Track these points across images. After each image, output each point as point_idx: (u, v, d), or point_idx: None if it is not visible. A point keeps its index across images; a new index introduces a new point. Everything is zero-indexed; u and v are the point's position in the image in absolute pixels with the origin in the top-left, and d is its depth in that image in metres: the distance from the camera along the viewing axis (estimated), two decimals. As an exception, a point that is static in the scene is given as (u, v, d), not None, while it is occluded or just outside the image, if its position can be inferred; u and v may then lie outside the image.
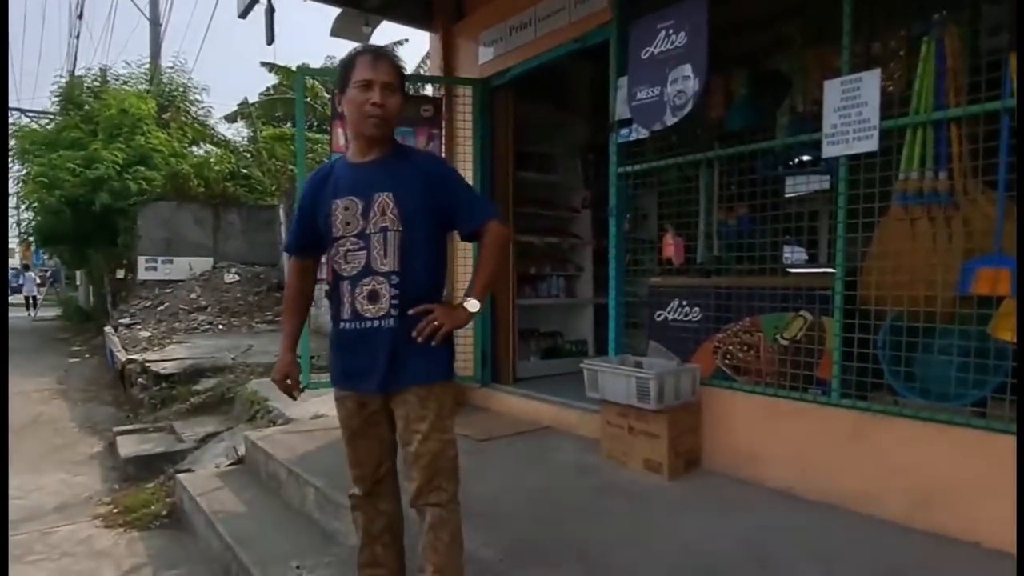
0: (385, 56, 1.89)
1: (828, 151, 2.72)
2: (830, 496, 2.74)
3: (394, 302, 1.84)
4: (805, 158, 3.25)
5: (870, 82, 2.59)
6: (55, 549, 3.57)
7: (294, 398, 2.11)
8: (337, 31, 5.03)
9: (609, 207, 3.78)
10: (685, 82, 2.95)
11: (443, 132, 4.74)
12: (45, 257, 29.31)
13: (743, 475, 3.06)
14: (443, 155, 4.78)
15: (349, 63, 1.89)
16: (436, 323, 1.83)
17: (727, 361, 3.38)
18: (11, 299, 21.48)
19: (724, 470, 3.15)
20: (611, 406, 3.31)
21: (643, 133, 3.44)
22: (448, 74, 5.07)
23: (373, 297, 1.85)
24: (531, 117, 5.20)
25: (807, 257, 3.80)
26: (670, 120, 3.03)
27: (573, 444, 3.71)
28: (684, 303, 3.58)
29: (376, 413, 1.94)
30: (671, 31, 3.03)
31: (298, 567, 2.35)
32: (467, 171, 4.82)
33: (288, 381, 2.04)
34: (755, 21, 3.54)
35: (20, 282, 22.70)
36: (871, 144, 2.58)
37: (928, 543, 2.39)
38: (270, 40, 4.53)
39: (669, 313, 3.67)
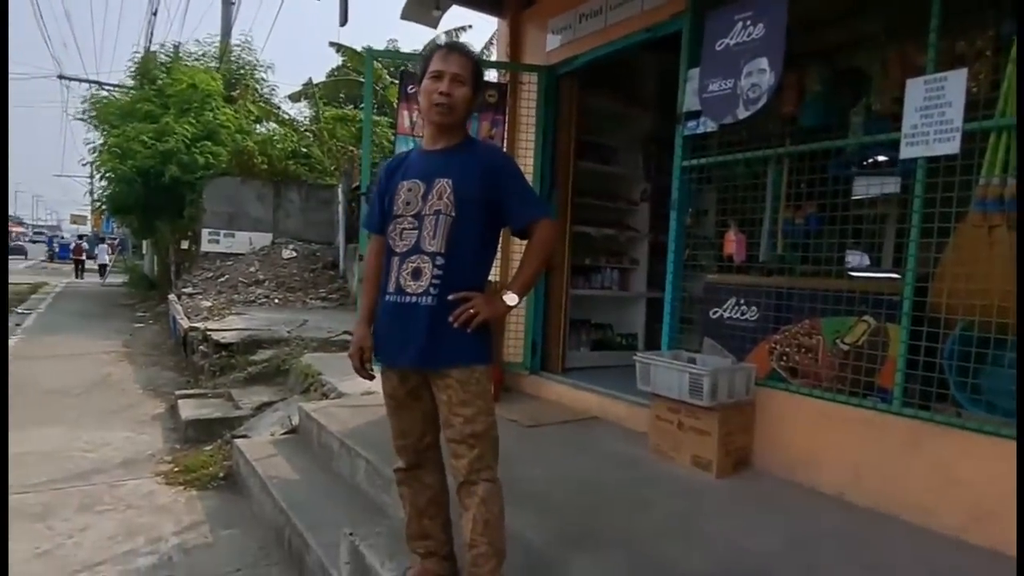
0: (458, 50, 2.00)
1: (907, 152, 2.63)
2: (883, 504, 2.68)
3: (435, 282, 1.90)
4: (880, 159, 3.14)
5: (955, 82, 2.48)
6: (121, 501, 3.78)
7: (369, 378, 2.10)
8: (407, 14, 5.09)
9: (671, 200, 3.74)
10: (760, 75, 2.89)
11: (506, 118, 4.76)
12: (115, 226, 30.85)
13: (795, 478, 3.01)
14: (505, 141, 4.81)
15: (428, 55, 2.02)
16: (473, 311, 1.88)
17: (783, 363, 3.32)
18: (88, 264, 23.69)
19: (775, 472, 3.10)
20: (662, 400, 3.29)
21: (712, 126, 3.38)
22: (514, 61, 5.08)
23: (416, 274, 1.92)
24: (595, 107, 5.17)
25: (869, 262, 3.69)
26: (742, 114, 2.97)
27: (620, 435, 3.71)
28: (742, 301, 3.53)
29: (418, 387, 2.00)
30: (748, 23, 2.96)
31: (351, 534, 2.43)
32: (528, 158, 4.84)
33: (363, 356, 2.06)
34: (836, 15, 3.43)
35: (95, 251, 24.50)
36: (953, 146, 2.48)
37: (982, 559, 2.32)
38: (343, 21, 4.62)
39: (725, 311, 3.62)
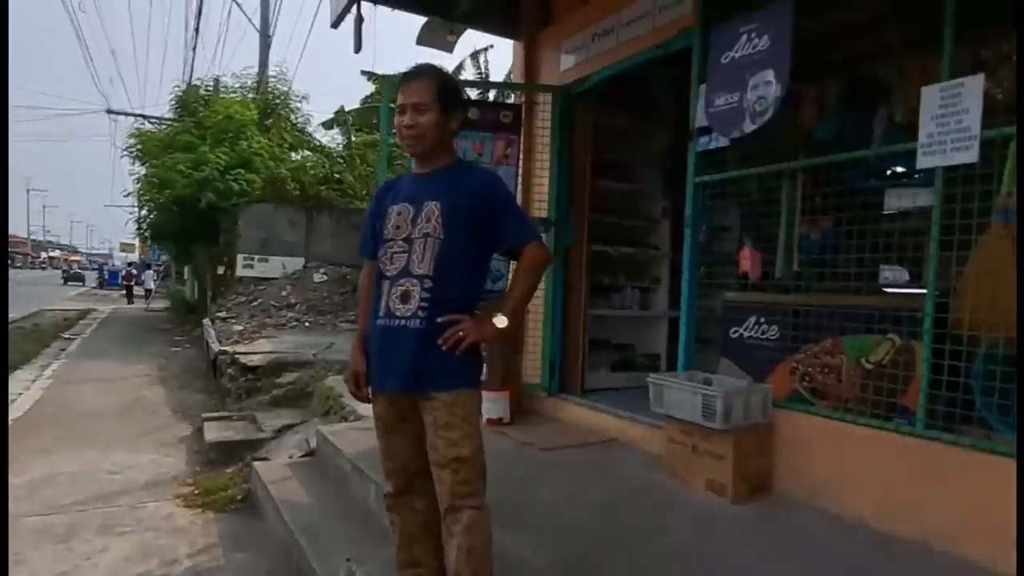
0: (415, 77, 1.99)
1: (923, 162, 2.52)
2: (907, 532, 2.53)
3: (423, 304, 1.90)
4: (898, 170, 3.04)
5: (972, 88, 2.38)
6: (140, 523, 3.82)
7: (367, 401, 2.10)
8: (423, 40, 5.17)
9: (685, 217, 3.68)
10: (766, 88, 2.82)
11: (521, 138, 4.76)
12: (160, 253, 32.10)
13: (816, 503, 2.88)
14: (521, 161, 4.81)
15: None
16: (462, 333, 1.87)
17: (805, 383, 3.20)
18: (136, 291, 25.26)
19: (795, 497, 2.97)
20: (676, 423, 3.20)
21: (723, 141, 3.32)
22: (529, 82, 5.09)
23: (405, 297, 1.93)
24: (613, 125, 5.14)
25: (891, 276, 3.55)
26: (749, 127, 2.90)
27: (637, 459, 3.61)
28: (762, 320, 3.43)
29: (408, 411, 1.98)
30: (753, 35, 2.91)
31: (349, 560, 2.40)
32: (544, 178, 4.83)
33: (358, 381, 2.07)
34: (851, 25, 3.35)
35: (142, 278, 26.46)
36: (971, 155, 2.37)
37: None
38: (357, 48, 4.70)
39: (745, 330, 3.52)
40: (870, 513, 2.68)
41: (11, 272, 59.20)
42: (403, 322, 1.92)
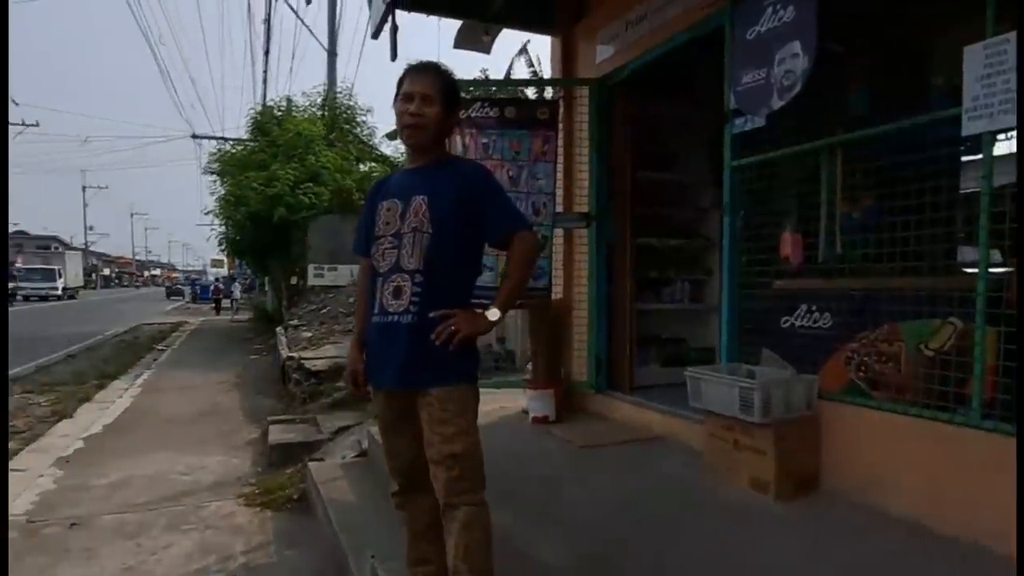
0: (427, 69, 2.01)
1: (969, 128, 2.32)
2: (966, 531, 2.32)
3: (414, 299, 1.90)
4: (946, 138, 2.79)
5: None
6: (203, 521, 4.01)
7: (364, 398, 2.15)
8: (460, 43, 5.21)
9: (723, 204, 3.53)
10: (793, 60, 2.67)
11: (558, 134, 4.71)
12: (246, 268, 34.12)
13: (867, 501, 2.69)
14: (559, 156, 4.76)
15: (400, 78, 2.04)
16: (454, 327, 1.86)
17: (862, 373, 3.00)
18: (224, 303, 27.12)
19: (846, 495, 2.79)
20: (715, 417, 3.07)
21: (759, 122, 3.17)
22: (567, 76, 5.04)
23: (397, 293, 1.93)
24: (654, 114, 5.00)
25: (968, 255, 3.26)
26: (776, 104, 2.75)
27: (680, 456, 3.49)
28: (813, 308, 3.24)
29: (407, 408, 1.97)
30: (779, 6, 2.76)
31: (372, 556, 2.43)
32: (584, 172, 4.76)
33: (356, 379, 2.10)
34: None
35: (231, 290, 28.57)
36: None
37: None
38: (393, 56, 4.78)
39: (796, 319, 3.33)
40: (926, 512, 2.48)
41: (119, 291, 64.24)
42: (396, 318, 1.92)
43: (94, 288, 65.66)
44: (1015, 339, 2.23)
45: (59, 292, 36.38)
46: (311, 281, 13.19)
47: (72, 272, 42.44)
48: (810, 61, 2.60)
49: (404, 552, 2.63)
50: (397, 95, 2.00)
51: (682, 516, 2.69)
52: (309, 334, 9.78)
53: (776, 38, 2.76)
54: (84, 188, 70.26)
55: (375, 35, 5.16)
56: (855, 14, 2.89)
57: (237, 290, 28.41)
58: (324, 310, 11.51)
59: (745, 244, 3.51)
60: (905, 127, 2.64)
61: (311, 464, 4.43)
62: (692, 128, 5.33)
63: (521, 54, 10.26)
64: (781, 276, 3.37)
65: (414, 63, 2.06)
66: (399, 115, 1.98)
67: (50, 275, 36.61)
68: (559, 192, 4.82)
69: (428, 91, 1.95)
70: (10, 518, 4.06)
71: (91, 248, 77.19)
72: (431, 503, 2.03)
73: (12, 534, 3.81)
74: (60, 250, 45.36)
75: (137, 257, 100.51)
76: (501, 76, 10.53)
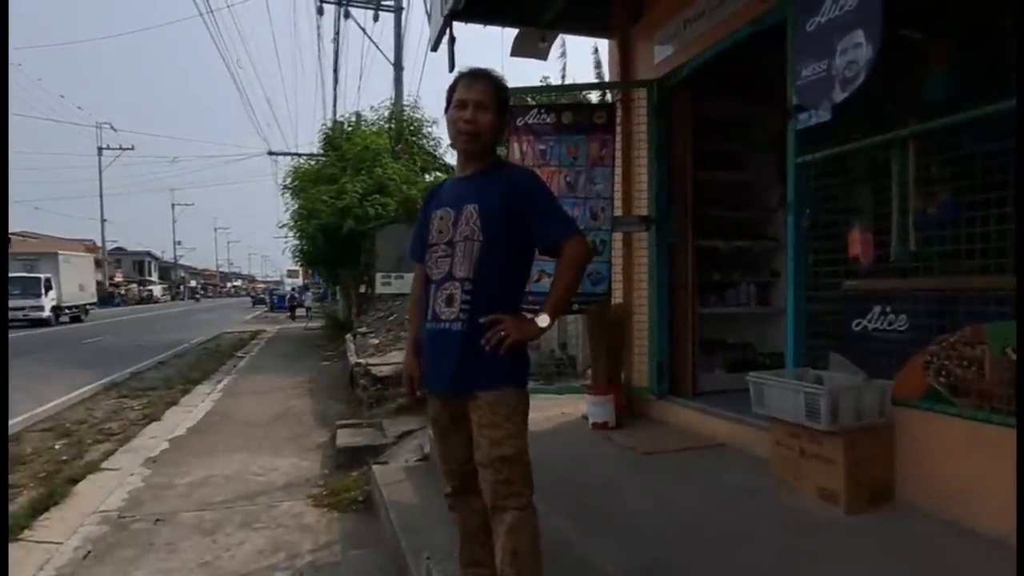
0: (481, 77, 2.02)
1: (1055, 112, 2.14)
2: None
3: (464, 307, 1.93)
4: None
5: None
6: (274, 520, 4.18)
7: (420, 403, 2.22)
8: (517, 51, 5.24)
9: (787, 203, 3.41)
10: (856, 51, 2.54)
11: (615, 137, 4.67)
12: (320, 278, 35.59)
13: (943, 516, 2.52)
14: (618, 159, 4.72)
15: (452, 85, 2.05)
16: (503, 333, 1.87)
17: (942, 378, 2.81)
18: (299, 312, 28.99)
19: (923, 508, 2.62)
20: (781, 424, 2.95)
21: (824, 116, 3.04)
22: (625, 79, 4.99)
23: (449, 301, 1.96)
24: (715, 114, 4.88)
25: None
26: (839, 96, 2.63)
27: (744, 464, 3.38)
28: (888, 309, 3.07)
29: (459, 412, 2.00)
30: (841, -5, 2.64)
31: (428, 558, 2.46)
32: (643, 175, 4.70)
33: (412, 384, 2.16)
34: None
35: (303, 299, 30.29)
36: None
37: None
38: (451, 67, 4.86)
39: (869, 321, 3.17)
40: (1012, 528, 2.28)
41: (203, 301, 68.35)
42: (447, 325, 1.96)
43: (182, 299, 70.42)
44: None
45: (44, 313, 24.79)
46: (378, 289, 13.50)
47: (73, 282, 29.16)
48: (875, 50, 2.47)
49: (455, 555, 2.67)
50: (450, 103, 2.02)
51: (745, 526, 2.59)
52: (376, 341, 10.03)
53: (837, 28, 2.64)
54: (173, 205, 74.76)
55: (434, 48, 5.27)
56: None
57: (309, 299, 29.80)
58: (391, 317, 11.78)
59: (812, 244, 3.37)
60: (989, 113, 2.46)
61: (375, 467, 4.53)
62: (756, 126, 5.17)
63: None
64: (851, 276, 3.21)
65: (466, 70, 2.07)
66: (453, 122, 1.99)
67: (32, 287, 24.56)
68: (617, 196, 4.77)
69: (482, 98, 1.96)
70: (103, 513, 4.36)
71: (180, 261, 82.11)
72: (482, 505, 2.04)
73: (104, 528, 4.09)
74: (52, 252, 29.78)
75: (220, 269, 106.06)
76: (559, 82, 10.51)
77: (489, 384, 1.90)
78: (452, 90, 2.03)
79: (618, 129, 4.73)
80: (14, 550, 3.74)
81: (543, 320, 1.92)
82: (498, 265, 1.94)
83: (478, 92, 1.97)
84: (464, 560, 2.11)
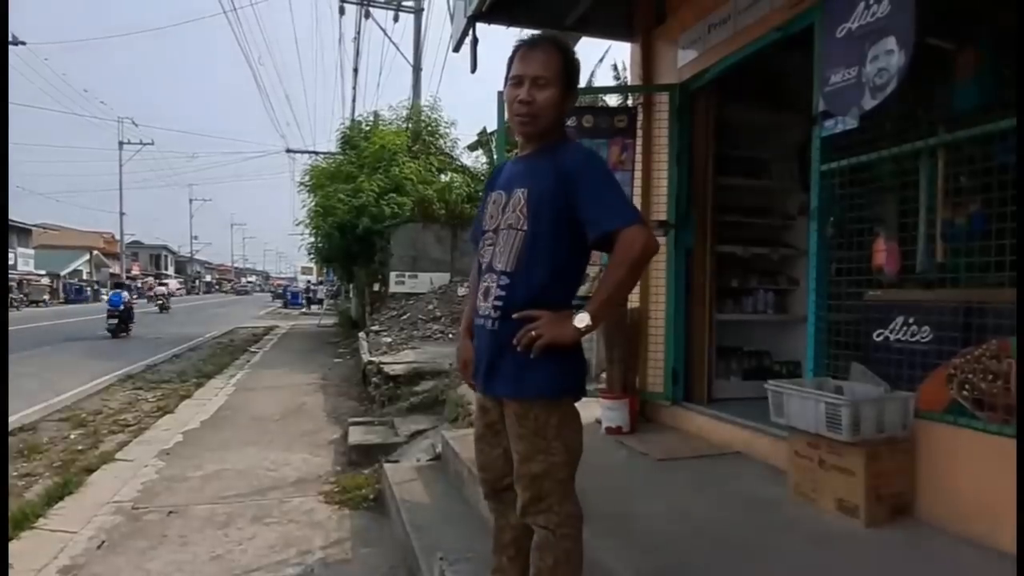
0: (539, 46, 1.77)
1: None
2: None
3: (497, 303, 1.76)
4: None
5: None
6: (285, 516, 4.19)
7: (473, 388, 2.00)
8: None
9: (811, 210, 3.37)
10: (887, 58, 2.50)
11: (636, 142, 4.64)
12: (333, 275, 35.85)
13: (965, 533, 2.47)
14: (638, 164, 4.69)
15: (510, 58, 1.81)
16: (534, 332, 1.65)
17: (966, 392, 2.76)
18: (313, 308, 30.12)
19: (945, 523, 2.57)
20: (800, 434, 2.91)
21: (851, 123, 3.00)
22: (647, 83, 4.96)
23: (486, 294, 1.81)
24: (737, 119, 4.85)
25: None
26: (868, 104, 2.59)
27: (760, 473, 3.34)
28: (911, 320, 3.02)
29: (495, 417, 1.86)
30: (872, 1, 2.60)
31: (442, 558, 2.45)
32: (662, 180, 4.67)
33: (466, 368, 1.98)
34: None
35: (319, 296, 31.59)
36: None
37: None
38: (473, 68, 4.87)
39: (891, 332, 3.12)
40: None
41: (219, 296, 69.09)
42: (482, 321, 1.81)
43: (197, 294, 71.29)
44: None
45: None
46: (392, 288, 13.58)
47: None
48: (907, 57, 2.43)
49: (473, 555, 2.66)
50: (507, 78, 1.78)
51: (762, 536, 2.56)
52: (389, 339, 10.05)
53: (868, 34, 2.60)
54: (191, 201, 75.47)
55: (456, 48, 5.27)
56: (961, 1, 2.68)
57: (323, 292, 31.20)
58: (404, 316, 11.81)
59: (835, 252, 3.33)
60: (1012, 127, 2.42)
61: (387, 465, 4.53)
62: (779, 133, 5.13)
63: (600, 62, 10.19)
64: (874, 286, 3.17)
65: (525, 38, 1.82)
66: (508, 103, 1.77)
67: None
68: (636, 200, 4.74)
69: (540, 72, 1.71)
70: (118, 503, 4.39)
71: (196, 256, 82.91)
72: (517, 521, 1.89)
73: (118, 518, 4.12)
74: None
75: (236, 265, 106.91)
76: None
77: (516, 392, 1.73)
78: (509, 64, 1.78)
79: (639, 133, 4.71)
80: (29, 539, 3.78)
81: (581, 319, 1.65)
82: (539, 259, 1.71)
83: (536, 65, 1.72)
84: (493, 567, 2.02)
